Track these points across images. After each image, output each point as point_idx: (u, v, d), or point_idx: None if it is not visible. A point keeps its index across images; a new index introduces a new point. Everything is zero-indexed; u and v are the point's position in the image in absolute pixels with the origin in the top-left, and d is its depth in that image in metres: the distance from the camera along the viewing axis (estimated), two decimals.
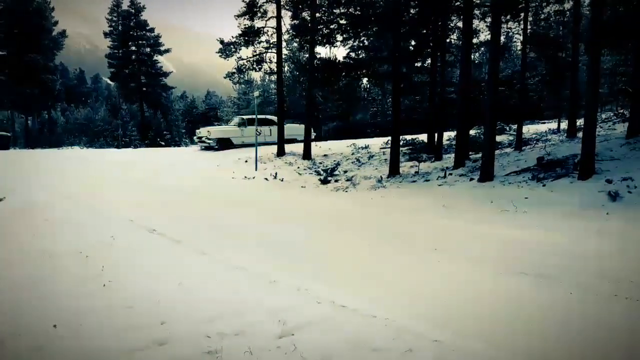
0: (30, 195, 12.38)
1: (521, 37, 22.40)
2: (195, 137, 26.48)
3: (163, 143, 52.92)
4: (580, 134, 17.25)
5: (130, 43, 55.80)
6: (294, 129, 27.97)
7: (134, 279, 5.39)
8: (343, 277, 5.50)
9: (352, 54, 24.46)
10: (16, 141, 46.86)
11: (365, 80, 44.15)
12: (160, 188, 14.42)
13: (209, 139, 25.36)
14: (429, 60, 22.77)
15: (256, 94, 28.70)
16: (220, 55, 26.23)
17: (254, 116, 23.28)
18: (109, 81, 73.00)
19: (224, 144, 25.78)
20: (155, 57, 57.62)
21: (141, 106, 57.65)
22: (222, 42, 25.84)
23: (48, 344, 3.64)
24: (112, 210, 10.51)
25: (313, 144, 26.31)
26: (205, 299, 4.60)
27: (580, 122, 20.26)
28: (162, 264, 6.05)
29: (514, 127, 23.46)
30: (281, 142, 25.73)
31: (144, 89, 56.98)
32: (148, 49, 56.66)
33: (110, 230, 8.00)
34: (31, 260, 6.20)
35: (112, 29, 55.78)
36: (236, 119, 27.46)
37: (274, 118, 26.10)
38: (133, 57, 56.33)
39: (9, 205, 10.89)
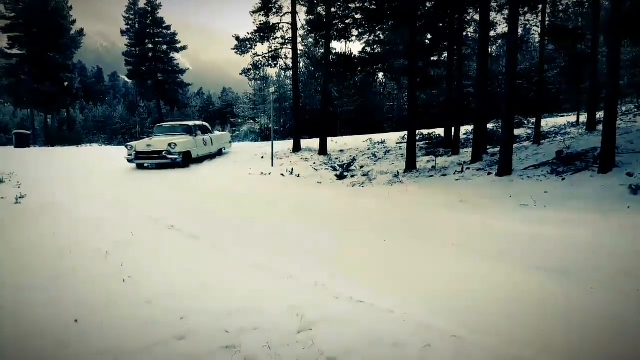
0: (50, 192, 12.54)
1: (539, 29, 22.12)
2: (128, 154, 18.43)
3: None
4: (600, 127, 17.01)
5: (147, 41, 56.17)
6: (221, 139, 23.71)
7: (153, 274, 5.44)
8: (360, 272, 5.49)
9: (368, 49, 24.35)
10: (36, 139, 47.51)
11: (381, 75, 44.01)
12: (178, 184, 14.51)
13: (172, 154, 18.07)
14: (445, 54, 22.59)
15: (272, 90, 28.73)
16: (236, 52, 26.31)
17: (183, 123, 20.80)
18: (126, 79, 73.71)
19: (187, 159, 19.10)
20: (171, 55, 57.94)
21: (158, 103, 58.06)
22: (237, 38, 25.92)
23: (70, 339, 3.69)
24: (132, 207, 10.60)
25: (329, 139, 26.23)
26: (224, 294, 4.62)
27: (600, 114, 19.99)
28: (180, 260, 6.09)
29: (532, 120, 23.24)
30: (297, 137, 25.74)
31: (161, 86, 57.32)
32: (165, 47, 57.00)
33: (129, 227, 8.08)
34: (52, 256, 6.28)
35: (129, 27, 56.21)
36: (161, 129, 20.75)
37: (206, 125, 22.76)
38: (150, 54, 56.70)
39: (30, 203, 11.05)
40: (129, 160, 18.33)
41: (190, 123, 20.91)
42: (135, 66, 56.70)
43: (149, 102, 60.48)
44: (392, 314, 3.97)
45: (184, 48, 58.00)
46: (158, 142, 18.41)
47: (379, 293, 4.66)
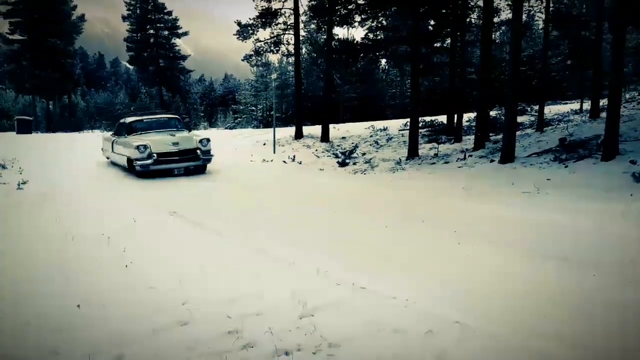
0: (52, 178, 12.55)
1: (543, 16, 21.96)
2: (138, 158, 12.78)
3: None
4: (603, 114, 16.92)
5: (148, 26, 55.93)
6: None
7: (155, 260, 5.44)
8: (362, 259, 5.49)
9: (370, 35, 24.20)
10: (38, 125, 47.49)
11: (383, 61, 43.80)
12: None
13: (205, 154, 13.66)
14: (448, 41, 22.42)
15: (274, 76, 28.64)
16: (237, 38, 26.18)
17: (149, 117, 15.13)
18: (128, 65, 73.48)
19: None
20: (173, 40, 57.75)
21: (160, 90, 57.94)
22: (239, 24, 25.77)
23: (73, 325, 3.70)
24: (133, 192, 10.61)
25: (331, 126, 26.15)
26: (226, 280, 4.63)
27: (603, 102, 19.87)
28: (182, 246, 6.10)
29: (535, 107, 23.12)
30: (299, 124, 25.67)
31: (163, 72, 57.14)
32: (166, 32, 56.77)
33: (131, 213, 8.09)
34: (54, 242, 6.29)
35: (130, 12, 55.90)
36: (146, 124, 14.82)
37: (174, 116, 16.01)
38: (151, 40, 56.49)
39: (32, 189, 11.06)
40: (142, 168, 12.61)
41: (171, 115, 16.09)
42: (136, 52, 56.52)
43: (150, 89, 60.32)
44: (394, 300, 3.97)
45: (185, 34, 57.75)
46: (179, 138, 13.25)
47: (381, 279, 4.66)
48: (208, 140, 13.68)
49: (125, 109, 58.51)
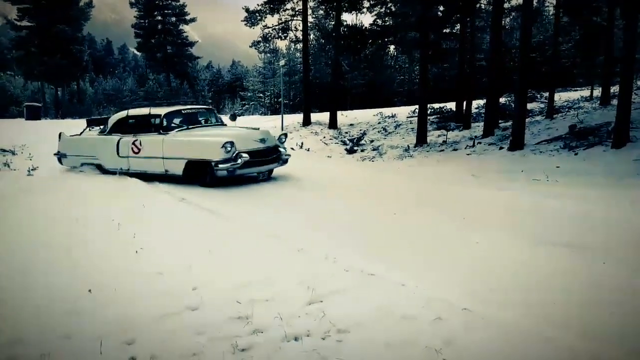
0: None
1: (554, 1, 21.67)
2: (225, 159, 9.42)
3: None
4: (614, 101, 16.76)
5: (155, 12, 55.79)
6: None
7: (165, 245, 5.47)
8: (371, 246, 5.49)
9: (379, 21, 24.03)
10: (47, 111, 47.68)
11: (392, 47, 43.49)
12: None
13: (285, 152, 10.98)
14: (458, 26, 22.22)
15: (282, 62, 28.51)
16: (245, 24, 26.07)
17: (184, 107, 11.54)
18: (135, 51, 73.44)
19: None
20: (180, 27, 57.60)
21: (167, 76, 57.91)
22: (247, 10, 25.65)
23: (83, 309, 3.73)
24: (141, 178, 10.63)
25: (339, 113, 26.07)
26: (235, 266, 4.65)
27: (614, 89, 19.67)
28: (192, 231, 6.12)
29: (545, 94, 22.93)
30: (307, 111, 25.61)
31: (170, 59, 57.07)
32: (173, 19, 56.63)
33: (140, 198, 8.12)
34: (64, 227, 6.34)
35: None
36: (185, 117, 11.21)
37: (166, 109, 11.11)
38: (159, 26, 56.39)
39: (42, 174, 11.15)
40: (228, 173, 9.44)
41: (207, 107, 13.70)
42: (144, 39, 56.46)
43: (158, 75, 60.31)
44: (403, 287, 3.98)
45: (193, 20, 57.59)
46: (264, 133, 10.41)
47: (390, 266, 4.67)
48: (285, 135, 11.35)
49: (133, 96, 58.48)
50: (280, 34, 26.79)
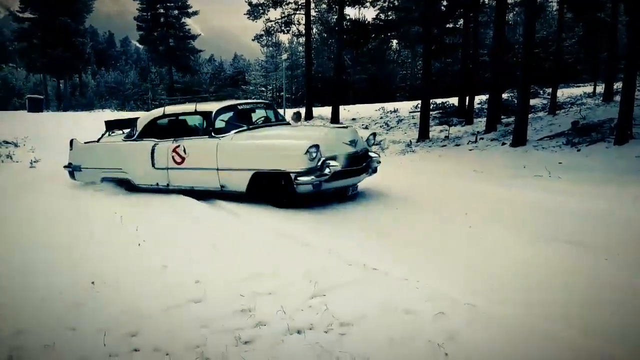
0: (64, 157, 12.61)
1: None
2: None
3: None
4: (617, 98, 16.74)
5: (158, 5, 55.66)
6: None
7: (168, 239, 5.49)
8: (373, 240, 5.50)
9: (382, 15, 23.96)
10: (49, 104, 47.71)
11: (395, 42, 43.36)
12: None
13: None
14: (461, 21, 22.16)
15: (284, 56, 28.51)
16: (248, 17, 26.05)
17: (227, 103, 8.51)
18: (138, 44, 73.30)
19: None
20: (183, 20, 57.47)
21: (170, 69, 57.86)
22: (250, 3, 25.63)
23: (88, 301, 3.76)
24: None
25: (341, 107, 26.05)
26: (238, 259, 4.67)
27: (617, 85, 19.64)
28: (194, 224, 6.14)
29: (548, 90, 22.90)
30: (309, 105, 25.60)
31: (173, 52, 57.01)
32: (176, 12, 56.51)
33: (143, 192, 8.15)
34: (68, 220, 6.36)
35: None
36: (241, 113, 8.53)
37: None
38: (162, 19, 56.29)
39: (44, 167, 11.17)
40: (314, 188, 6.91)
41: (267, 102, 10.50)
42: (147, 31, 56.36)
43: (160, 68, 60.27)
44: (406, 282, 3.99)
45: (195, 13, 57.46)
46: (352, 134, 7.77)
47: (392, 261, 4.68)
48: (375, 135, 8.82)
49: (136, 89, 58.25)
50: (282, 28, 26.80)
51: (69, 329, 3.34)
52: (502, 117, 18.37)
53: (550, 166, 9.95)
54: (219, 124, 7.80)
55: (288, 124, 9.16)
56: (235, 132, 7.64)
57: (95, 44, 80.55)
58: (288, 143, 7.10)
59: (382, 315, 3.38)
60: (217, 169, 7.44)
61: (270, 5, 25.51)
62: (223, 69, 77.67)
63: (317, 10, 32.19)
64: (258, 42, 29.83)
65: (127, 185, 8.55)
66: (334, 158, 6.99)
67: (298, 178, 6.72)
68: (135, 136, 8.49)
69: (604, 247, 4.92)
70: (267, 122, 8.61)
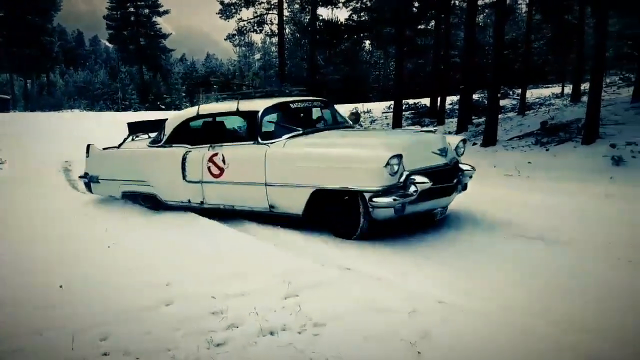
0: (32, 159, 12.35)
1: None
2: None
3: (163, 106, 52.60)
4: (584, 98, 17.10)
5: (128, 4, 54.93)
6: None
7: (137, 240, 5.41)
8: (346, 240, 5.49)
9: (355, 16, 24.05)
10: (15, 104, 46.61)
11: (367, 43, 43.57)
12: None
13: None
14: (433, 23, 22.39)
15: (257, 56, 28.25)
16: (220, 17, 25.84)
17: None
18: (107, 43, 72.24)
19: None
20: (154, 19, 56.83)
21: (140, 69, 57.13)
22: (222, 2, 25.42)
23: (57, 304, 3.68)
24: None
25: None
26: (210, 260, 4.62)
27: (584, 86, 20.08)
28: (163, 225, 6.07)
29: (518, 91, 23.27)
30: None
31: (143, 51, 56.28)
32: (147, 10, 55.88)
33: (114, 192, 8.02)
34: (37, 222, 6.23)
35: None
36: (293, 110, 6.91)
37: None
38: (132, 18, 55.57)
39: (12, 169, 10.90)
40: (396, 213, 5.19)
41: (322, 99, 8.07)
42: (116, 30, 55.63)
43: (130, 68, 59.42)
44: (380, 281, 4.00)
45: (166, 12, 56.89)
46: (441, 140, 6.10)
47: (365, 261, 4.69)
48: (464, 142, 6.84)
49: (105, 88, 57.21)
50: (255, 28, 26.65)
51: (37, 333, 3.27)
52: (473, 117, 18.60)
53: (520, 165, 10.11)
54: (267, 126, 6.31)
55: (352, 127, 7.54)
56: (288, 138, 6.06)
57: (64, 43, 78.97)
58: (361, 153, 5.35)
59: None
60: (266, 184, 5.88)
61: (243, 4, 25.34)
62: (195, 69, 76.99)
63: (289, 10, 32.19)
64: (230, 41, 29.64)
65: (153, 203, 7.20)
66: (420, 172, 5.35)
67: (374, 199, 5.08)
68: (162, 141, 7.08)
69: (576, 245, 5.02)
70: (325, 125, 7.05)
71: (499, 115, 15.31)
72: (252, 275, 4.18)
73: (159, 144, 7.10)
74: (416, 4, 21.67)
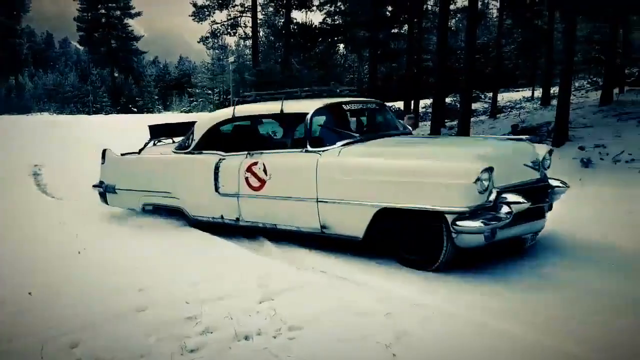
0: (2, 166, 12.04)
1: (498, 4, 22.36)
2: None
3: (135, 109, 51.95)
4: (554, 102, 17.44)
5: (99, 6, 54.15)
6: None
7: (109, 245, 5.32)
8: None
9: (329, 20, 24.14)
10: None
11: (342, 46, 43.76)
12: None
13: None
14: (406, 27, 22.60)
15: (231, 59, 28.23)
16: (193, 19, 25.70)
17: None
18: (78, 45, 71.11)
19: None
20: (125, 21, 56.13)
21: (112, 71, 56.38)
22: (195, 5, 25.26)
23: (26, 311, 3.60)
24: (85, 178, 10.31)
25: None
26: (185, 265, 4.57)
27: (554, 90, 20.49)
28: (136, 229, 5.99)
29: (489, 95, 23.63)
30: None
31: (115, 53, 55.55)
32: (118, 12, 55.13)
33: (85, 199, 7.88)
34: (9, 229, 6.10)
35: None
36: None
37: None
38: (103, 20, 54.79)
39: None
40: (486, 240, 4.16)
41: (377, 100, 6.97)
42: (87, 32, 54.81)
43: (101, 70, 58.56)
44: (355, 284, 4.01)
45: (138, 14, 56.27)
46: (529, 150, 5.09)
47: (340, 264, 4.70)
48: (551, 152, 5.60)
49: (76, 91, 56.28)
50: (229, 30, 26.55)
51: (6, 340, 3.18)
52: (446, 120, 18.81)
53: None
54: (318, 131, 5.40)
55: (410, 132, 6.57)
56: (343, 145, 5.11)
57: (33, 44, 77.38)
58: (442, 165, 4.34)
59: None
60: (317, 200, 4.93)
61: (216, 7, 25.22)
62: (168, 72, 76.25)
63: (264, 13, 32.10)
64: (204, 44, 29.45)
65: (180, 217, 6.33)
66: (511, 189, 4.41)
67: (459, 223, 4.10)
68: (191, 147, 6.18)
69: (549, 246, 5.09)
70: (381, 130, 6.08)
71: (471, 119, 15.52)
72: (227, 279, 4.14)
73: (187, 150, 6.20)
74: (389, 9, 21.87)
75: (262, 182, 5.31)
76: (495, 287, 4.03)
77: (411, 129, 6.57)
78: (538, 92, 25.73)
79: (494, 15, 35.40)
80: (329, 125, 5.45)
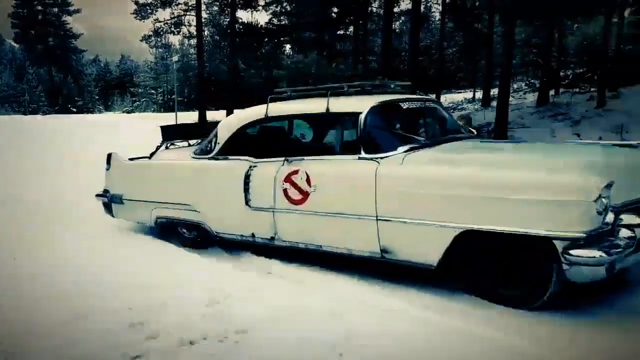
0: None
1: (440, 7, 22.91)
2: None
3: (74, 109, 50.21)
4: (494, 103, 18.02)
5: (35, 2, 52.02)
6: None
7: (49, 250, 5.12)
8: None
9: (275, 20, 24.09)
10: None
11: (288, 47, 43.79)
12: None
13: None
14: (351, 29, 22.83)
15: (175, 58, 27.72)
16: (135, 17, 25.07)
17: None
18: (13, 43, 68.03)
19: None
20: (63, 18, 54.16)
21: (49, 70, 54.27)
22: (136, 2, 24.65)
23: None
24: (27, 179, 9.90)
25: (237, 111, 25.76)
26: (130, 270, 4.44)
27: (494, 91, 21.17)
28: (79, 234, 5.78)
29: (432, 96, 24.16)
30: (202, 109, 25.07)
31: (53, 51, 53.51)
32: (55, 9, 53.13)
33: (26, 202, 7.56)
34: None
35: None
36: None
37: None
38: (40, 17, 52.65)
39: None
40: (607, 273, 3.13)
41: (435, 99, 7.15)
42: (23, 29, 52.53)
43: (39, 69, 56.28)
44: (302, 285, 4.01)
45: (77, 11, 54.41)
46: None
47: (287, 265, 4.69)
48: None
49: (11, 91, 53.84)
50: (172, 29, 26.04)
51: None
52: None
53: None
54: (375, 134, 4.29)
55: (477, 135, 5.78)
56: (407, 151, 4.09)
57: None
58: (551, 179, 3.29)
59: None
60: (377, 219, 3.95)
61: (159, 5, 24.68)
62: (109, 70, 74.12)
63: (208, 12, 31.70)
64: (147, 43, 28.81)
65: (202, 235, 5.30)
66: (629, 207, 3.46)
67: (573, 252, 3.14)
68: (214, 151, 5.10)
69: None
70: (444, 132, 5.16)
71: None
72: (173, 284, 4.05)
73: (209, 156, 5.14)
74: (335, 10, 22.04)
75: (305, 194, 4.35)
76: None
77: (474, 132, 5.65)
78: (479, 94, 26.52)
79: (437, 19, 36.23)
80: (386, 127, 4.58)
